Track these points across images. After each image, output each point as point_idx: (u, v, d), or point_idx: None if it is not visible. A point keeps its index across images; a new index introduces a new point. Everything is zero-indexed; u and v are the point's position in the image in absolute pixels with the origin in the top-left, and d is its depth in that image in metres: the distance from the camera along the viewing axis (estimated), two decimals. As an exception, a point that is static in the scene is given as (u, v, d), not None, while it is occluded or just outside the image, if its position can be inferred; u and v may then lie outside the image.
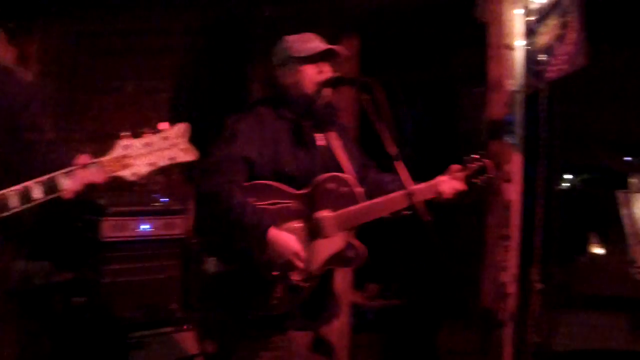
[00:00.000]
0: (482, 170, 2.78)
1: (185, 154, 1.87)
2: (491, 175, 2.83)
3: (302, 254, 2.41)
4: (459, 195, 2.71)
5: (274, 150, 2.52)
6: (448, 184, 2.68)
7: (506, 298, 3.36)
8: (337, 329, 3.73)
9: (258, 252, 2.38)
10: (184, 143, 1.88)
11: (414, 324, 4.91)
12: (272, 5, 4.35)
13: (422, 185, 2.63)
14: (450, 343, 4.67)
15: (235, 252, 2.46)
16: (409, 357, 4.89)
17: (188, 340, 4.04)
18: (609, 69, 7.12)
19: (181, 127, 1.89)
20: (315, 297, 2.55)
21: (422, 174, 2.68)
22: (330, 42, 2.64)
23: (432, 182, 2.68)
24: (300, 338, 2.62)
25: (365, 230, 2.63)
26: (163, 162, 1.86)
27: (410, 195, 2.50)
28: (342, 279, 3.75)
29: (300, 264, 2.40)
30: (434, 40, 4.85)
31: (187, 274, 4.13)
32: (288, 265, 2.40)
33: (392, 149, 2.42)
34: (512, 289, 3.37)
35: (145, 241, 4.02)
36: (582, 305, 6.75)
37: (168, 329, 3.99)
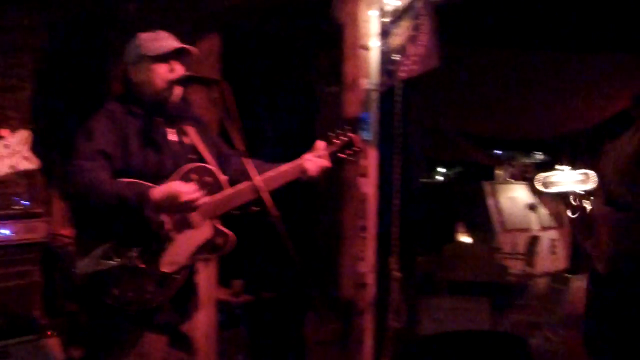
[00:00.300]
0: (348, 145, 2.89)
1: (27, 161, 1.86)
2: (358, 149, 2.95)
3: (191, 188, 2.44)
4: (325, 172, 2.79)
5: (123, 147, 2.53)
6: (313, 161, 2.76)
7: (365, 287, 3.48)
8: (203, 325, 3.78)
9: (151, 216, 2.42)
10: (26, 151, 1.86)
11: (280, 318, 5.00)
12: (133, 2, 4.30)
13: (287, 165, 2.73)
14: (317, 334, 4.77)
15: (124, 236, 2.46)
16: (276, 351, 4.97)
17: (53, 347, 3.95)
18: (477, 70, 7.47)
19: (23, 135, 1.87)
20: (178, 292, 2.57)
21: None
22: (190, 40, 2.68)
23: (297, 160, 2.75)
24: (159, 334, 2.62)
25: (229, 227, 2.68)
26: (4, 170, 1.84)
27: (277, 177, 2.64)
28: (207, 276, 3.79)
29: (196, 195, 2.44)
30: (296, 40, 4.95)
31: (50, 278, 4.04)
32: (186, 207, 2.44)
33: (240, 146, 2.49)
34: (370, 278, 3.49)
35: (4, 246, 3.87)
36: (449, 291, 7.08)
37: (31, 337, 3.87)
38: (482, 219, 12.28)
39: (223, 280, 4.61)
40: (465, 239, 12.19)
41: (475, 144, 12.71)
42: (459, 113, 10.07)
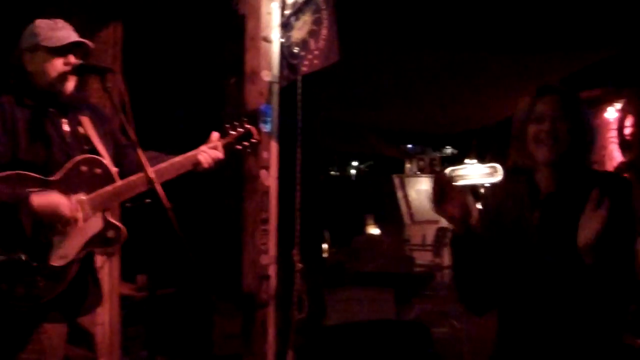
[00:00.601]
0: (245, 136, 2.88)
1: None
2: (255, 140, 2.95)
3: (72, 204, 2.41)
4: (219, 164, 2.76)
5: (11, 140, 2.46)
6: (206, 153, 2.73)
7: (267, 280, 3.49)
8: (106, 321, 3.70)
9: (28, 224, 2.35)
10: None
11: (186, 312, 4.96)
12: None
13: (180, 157, 2.69)
14: (224, 327, 4.76)
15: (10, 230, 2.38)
16: (183, 345, 4.93)
17: None
18: (387, 66, 7.57)
19: None
20: (74, 287, 2.51)
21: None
22: (90, 28, 2.62)
23: (191, 152, 2.72)
24: (56, 329, 2.54)
25: (130, 221, 2.64)
26: None
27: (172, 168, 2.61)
28: (109, 271, 3.72)
29: (74, 212, 2.41)
30: (202, 30, 4.90)
31: None
32: (63, 221, 2.39)
33: (133, 137, 2.46)
34: (272, 271, 3.50)
35: None
36: (356, 282, 7.18)
37: None
38: (391, 212, 12.53)
39: (128, 275, 4.53)
40: (374, 230, 12.42)
41: (385, 139, 12.91)
42: (370, 108, 10.20)
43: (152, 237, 3.23)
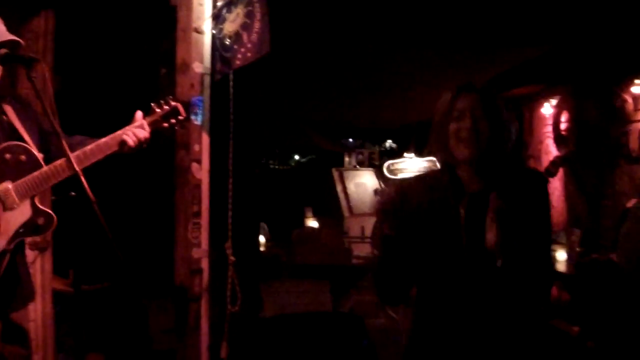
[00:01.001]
0: (172, 113, 2.87)
1: None
2: (182, 117, 2.93)
3: None
4: (146, 143, 2.73)
5: None
6: (132, 132, 2.70)
7: (200, 273, 3.47)
8: (38, 316, 3.63)
9: None
10: None
11: (122, 307, 4.90)
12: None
13: (105, 138, 2.65)
14: (160, 321, 4.72)
15: None
16: (120, 341, 4.87)
17: None
18: (327, 61, 7.59)
19: None
20: (5, 281, 2.45)
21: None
22: (21, 16, 2.56)
23: (116, 133, 2.68)
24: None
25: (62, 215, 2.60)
26: None
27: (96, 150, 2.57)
28: (41, 266, 3.65)
29: None
30: (135, 21, 4.83)
31: None
32: None
33: (54, 124, 2.42)
34: (204, 264, 3.49)
35: None
36: (294, 274, 7.21)
37: None
38: (330, 204, 12.60)
39: (62, 270, 4.44)
40: (313, 223, 12.46)
41: (324, 133, 12.95)
42: (310, 102, 10.22)
43: (83, 231, 3.18)
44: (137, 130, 2.72)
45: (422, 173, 2.30)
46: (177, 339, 3.63)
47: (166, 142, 3.51)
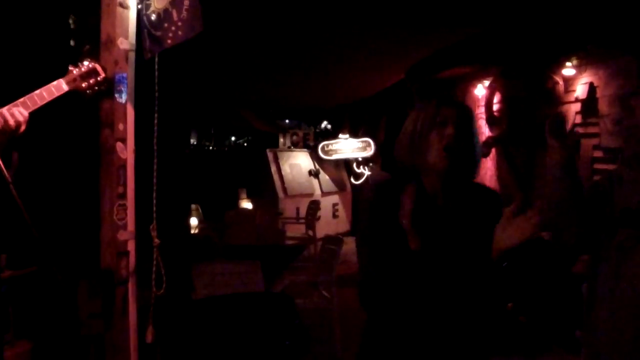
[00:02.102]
0: (91, 73, 2.80)
1: None
2: (101, 79, 2.85)
3: None
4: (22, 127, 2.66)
5: None
6: (47, 90, 2.68)
7: (126, 256, 3.39)
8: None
9: None
10: None
11: (50, 291, 4.76)
12: None
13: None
14: (89, 306, 4.60)
15: None
16: (48, 326, 4.75)
17: None
18: (259, 42, 7.50)
19: None
20: None
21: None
22: None
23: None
24: None
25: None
26: None
27: None
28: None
29: None
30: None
31: None
32: None
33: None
34: (131, 246, 3.40)
35: None
36: (227, 256, 7.14)
37: None
38: (265, 185, 12.56)
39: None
40: (247, 204, 12.41)
41: (259, 114, 12.89)
42: (246, 83, 10.13)
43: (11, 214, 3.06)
44: (52, 90, 2.66)
45: (390, 178, 2.22)
46: (104, 323, 3.53)
47: (90, 121, 3.41)
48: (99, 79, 2.88)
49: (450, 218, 2.12)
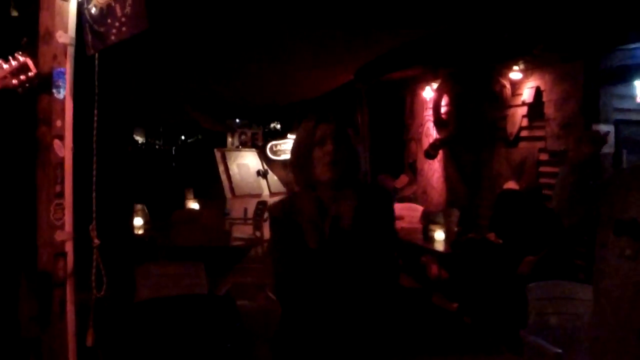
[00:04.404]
0: (21, 70, 2.72)
1: None
2: (32, 74, 2.78)
3: None
4: None
5: None
6: None
7: (64, 257, 3.28)
8: None
9: None
10: None
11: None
12: None
13: None
14: (30, 308, 4.47)
15: None
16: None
17: None
18: (210, 39, 7.40)
19: None
20: None
21: None
22: None
23: None
24: None
25: None
26: None
27: None
28: None
29: None
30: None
31: None
32: None
33: None
34: (69, 247, 3.30)
35: None
36: (171, 257, 7.04)
37: None
38: (213, 185, 12.43)
39: None
40: (194, 205, 12.27)
41: (208, 112, 12.76)
42: (195, 81, 10.02)
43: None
44: None
45: (292, 195, 2.53)
46: (41, 326, 3.42)
47: (27, 117, 3.30)
48: (30, 74, 2.78)
49: (341, 219, 2.37)
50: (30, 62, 2.78)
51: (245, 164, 13.14)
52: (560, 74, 7.17)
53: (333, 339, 2.34)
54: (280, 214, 2.48)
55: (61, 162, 3.22)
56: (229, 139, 14.19)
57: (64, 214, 3.24)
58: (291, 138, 13.14)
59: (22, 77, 2.76)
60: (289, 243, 2.39)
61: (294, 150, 2.47)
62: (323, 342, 2.34)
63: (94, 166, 3.34)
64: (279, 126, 16.60)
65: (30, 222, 3.52)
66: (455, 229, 8.45)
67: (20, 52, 2.76)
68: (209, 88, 10.67)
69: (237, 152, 13.40)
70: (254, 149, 13.77)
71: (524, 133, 7.95)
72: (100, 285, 3.36)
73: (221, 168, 12.42)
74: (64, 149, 3.22)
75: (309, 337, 2.37)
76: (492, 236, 6.75)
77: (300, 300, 2.37)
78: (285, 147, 13.10)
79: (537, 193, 6.74)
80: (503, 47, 7.76)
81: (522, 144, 8.00)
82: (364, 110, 11.63)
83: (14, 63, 2.77)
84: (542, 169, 7.49)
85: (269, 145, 13.31)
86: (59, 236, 3.24)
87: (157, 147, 23.97)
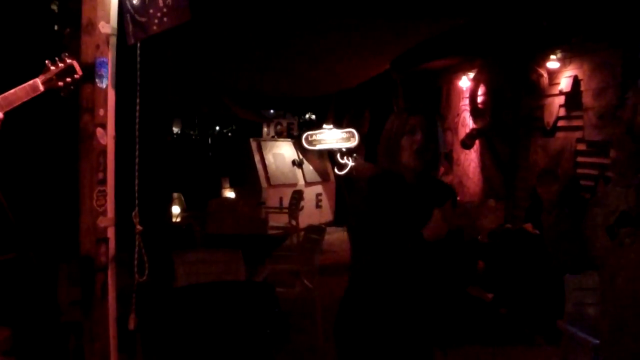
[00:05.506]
0: (67, 71, 2.77)
1: None
2: (78, 76, 2.83)
3: None
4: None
5: None
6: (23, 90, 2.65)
7: (106, 242, 3.35)
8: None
9: None
10: None
11: (29, 278, 4.71)
12: None
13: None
14: (70, 293, 4.58)
15: None
16: (27, 313, 4.69)
17: None
18: (245, 31, 7.45)
19: None
20: None
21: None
22: None
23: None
24: None
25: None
26: None
27: None
28: None
29: None
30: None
31: None
32: None
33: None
34: (110, 233, 3.37)
35: None
36: (208, 244, 7.11)
37: None
38: (248, 175, 12.52)
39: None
40: (230, 194, 12.37)
41: (244, 103, 12.81)
42: (231, 72, 10.06)
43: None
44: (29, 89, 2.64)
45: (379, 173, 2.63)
46: (83, 310, 3.49)
47: (71, 106, 3.37)
48: (75, 76, 2.85)
49: (423, 201, 2.53)
50: (76, 64, 2.83)
51: (281, 153, 13.19)
52: (598, 62, 7.07)
53: (399, 325, 2.50)
54: (373, 191, 2.55)
55: (104, 150, 3.28)
56: (265, 129, 14.22)
57: (106, 201, 3.31)
58: (326, 128, 13.15)
59: (68, 79, 2.81)
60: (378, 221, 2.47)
61: (384, 137, 2.61)
62: (389, 327, 2.51)
63: (136, 154, 3.40)
64: (314, 116, 16.61)
65: (70, 209, 3.60)
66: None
67: (66, 54, 2.82)
68: (246, 78, 10.72)
69: (272, 142, 13.45)
70: (289, 139, 13.80)
71: (561, 123, 7.87)
72: (142, 270, 3.43)
73: (257, 158, 12.47)
74: (107, 137, 3.29)
75: (375, 321, 2.53)
76: (529, 227, 6.71)
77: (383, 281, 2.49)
78: (320, 137, 13.10)
79: (575, 183, 6.67)
80: (541, 35, 7.68)
81: (559, 134, 7.91)
82: (399, 100, 11.60)
83: (60, 64, 2.82)
84: (580, 159, 7.41)
85: (304, 135, 13.31)
86: (101, 222, 3.30)
87: (193, 137, 24.16)
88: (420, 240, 2.38)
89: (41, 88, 2.73)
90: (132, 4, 3.39)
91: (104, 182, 3.30)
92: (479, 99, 9.94)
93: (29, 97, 2.78)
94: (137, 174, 3.42)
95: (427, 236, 2.37)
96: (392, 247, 2.43)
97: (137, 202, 3.44)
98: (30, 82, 2.66)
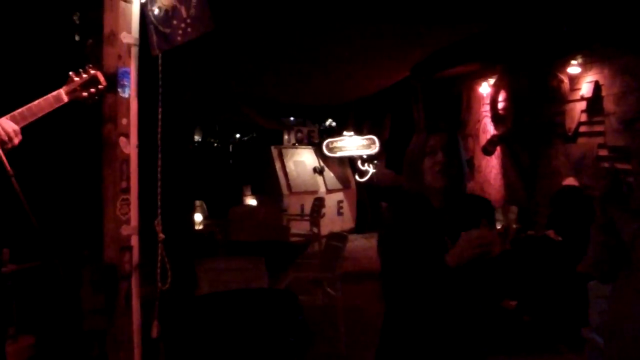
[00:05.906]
0: (91, 82, 2.79)
1: None
2: (102, 86, 2.86)
3: None
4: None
5: None
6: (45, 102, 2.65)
7: (130, 250, 3.38)
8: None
9: None
10: None
11: (53, 285, 4.75)
12: None
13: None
14: (91, 301, 4.59)
15: None
16: (51, 321, 4.73)
17: None
18: (267, 39, 7.49)
19: None
20: None
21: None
22: None
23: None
24: None
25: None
26: None
27: None
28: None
29: None
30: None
31: None
32: None
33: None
34: (134, 241, 3.39)
35: None
36: (230, 252, 7.13)
37: None
38: (269, 182, 12.56)
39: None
40: (251, 201, 12.41)
41: (264, 111, 12.86)
42: (251, 80, 10.11)
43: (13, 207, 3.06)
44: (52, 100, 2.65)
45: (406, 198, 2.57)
46: (106, 318, 3.52)
47: (93, 115, 3.40)
48: (99, 87, 2.88)
49: (453, 224, 2.42)
50: (100, 75, 2.86)
51: (302, 161, 13.21)
52: (619, 67, 7.02)
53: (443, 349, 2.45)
54: (398, 220, 2.50)
55: (127, 159, 3.32)
56: (285, 137, 14.26)
57: (129, 209, 3.34)
58: (347, 135, 13.16)
59: (92, 89, 2.84)
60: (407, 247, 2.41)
61: (406, 160, 2.56)
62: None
63: (159, 163, 3.43)
64: (334, 123, 16.61)
65: (93, 217, 3.63)
66: (514, 226, 8.35)
67: (90, 65, 2.85)
68: (265, 86, 10.76)
69: (293, 150, 13.48)
70: (310, 146, 13.82)
71: (582, 128, 7.81)
72: (165, 278, 3.45)
73: (278, 165, 12.52)
74: (130, 146, 3.32)
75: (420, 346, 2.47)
76: (551, 233, 6.65)
77: (412, 302, 2.43)
78: (341, 144, 13.12)
79: (617, 178, 6.60)
80: (562, 41, 7.63)
81: (581, 140, 7.86)
82: (419, 106, 11.58)
83: (84, 75, 2.86)
84: (601, 164, 7.35)
85: (325, 143, 13.33)
86: (124, 230, 3.34)
87: (214, 145, 24.25)
88: (443, 267, 2.30)
89: (65, 99, 2.76)
90: (155, 16, 3.43)
91: (127, 190, 3.33)
92: (500, 105, 9.89)
93: (52, 108, 2.81)
94: (159, 182, 3.45)
95: (450, 262, 2.28)
96: (422, 279, 2.37)
97: (159, 210, 3.46)
98: (54, 93, 2.70)
